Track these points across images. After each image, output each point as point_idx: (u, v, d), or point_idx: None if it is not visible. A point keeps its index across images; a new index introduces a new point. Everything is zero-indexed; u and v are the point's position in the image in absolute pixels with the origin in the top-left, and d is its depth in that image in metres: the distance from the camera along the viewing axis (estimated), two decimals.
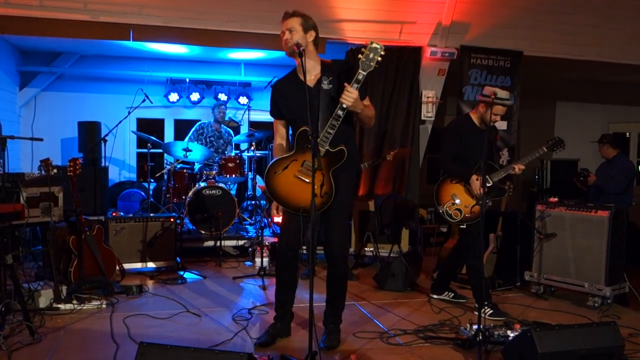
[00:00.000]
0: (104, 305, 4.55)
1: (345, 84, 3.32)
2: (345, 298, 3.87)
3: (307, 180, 3.46)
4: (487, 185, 4.52)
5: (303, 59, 3.30)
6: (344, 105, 3.30)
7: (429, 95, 7.29)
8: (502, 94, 4.51)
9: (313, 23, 3.52)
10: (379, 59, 3.23)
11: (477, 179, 4.47)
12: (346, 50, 7.02)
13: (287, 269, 3.76)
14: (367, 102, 3.55)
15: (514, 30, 7.18)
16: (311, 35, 3.50)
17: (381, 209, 6.45)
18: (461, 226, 4.67)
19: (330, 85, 3.50)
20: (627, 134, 11.07)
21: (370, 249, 6.39)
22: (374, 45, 3.21)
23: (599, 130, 9.81)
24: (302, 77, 3.45)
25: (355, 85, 3.28)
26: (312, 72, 3.53)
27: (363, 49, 3.26)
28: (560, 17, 7.12)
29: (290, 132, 3.74)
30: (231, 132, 8.13)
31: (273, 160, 3.60)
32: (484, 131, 4.57)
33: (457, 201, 4.62)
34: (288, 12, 3.51)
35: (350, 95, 3.28)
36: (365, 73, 3.26)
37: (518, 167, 4.62)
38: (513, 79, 7.38)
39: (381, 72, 6.95)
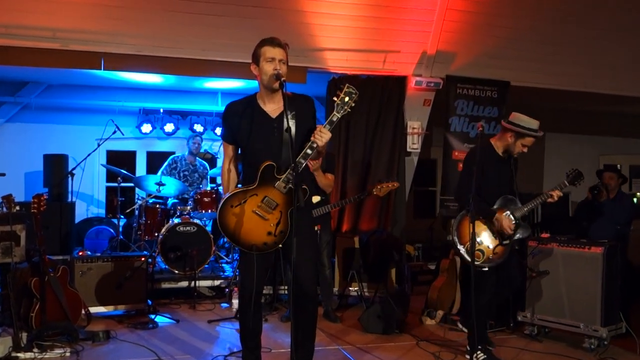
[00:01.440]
0: (67, 354, 4.42)
1: (319, 125, 3.38)
2: (315, 339, 3.68)
3: (266, 217, 3.41)
4: (513, 223, 4.31)
5: (284, 90, 3.30)
6: (314, 145, 3.33)
7: (415, 126, 7.27)
8: (534, 124, 4.33)
9: None
10: (353, 104, 3.35)
11: (504, 216, 4.27)
12: (328, 79, 7.00)
13: (251, 313, 3.59)
14: None
15: (501, 60, 7.22)
16: (287, 71, 3.56)
17: (366, 245, 6.39)
18: (483, 269, 4.30)
19: (293, 120, 3.47)
20: (619, 165, 11.19)
21: (355, 289, 6.27)
22: (350, 89, 3.34)
23: (590, 162, 9.86)
24: (263, 107, 3.53)
25: (328, 127, 3.35)
26: (277, 104, 3.54)
27: (339, 92, 3.36)
28: (546, 48, 7.17)
29: (240, 163, 3.71)
30: (206, 165, 8.01)
31: (231, 193, 3.50)
32: (506, 161, 4.43)
33: (479, 240, 4.32)
34: (280, 41, 3.49)
35: (324, 137, 3.33)
36: (339, 116, 3.36)
37: (556, 194, 4.37)
38: (500, 109, 7.37)
39: (365, 102, 6.96)
